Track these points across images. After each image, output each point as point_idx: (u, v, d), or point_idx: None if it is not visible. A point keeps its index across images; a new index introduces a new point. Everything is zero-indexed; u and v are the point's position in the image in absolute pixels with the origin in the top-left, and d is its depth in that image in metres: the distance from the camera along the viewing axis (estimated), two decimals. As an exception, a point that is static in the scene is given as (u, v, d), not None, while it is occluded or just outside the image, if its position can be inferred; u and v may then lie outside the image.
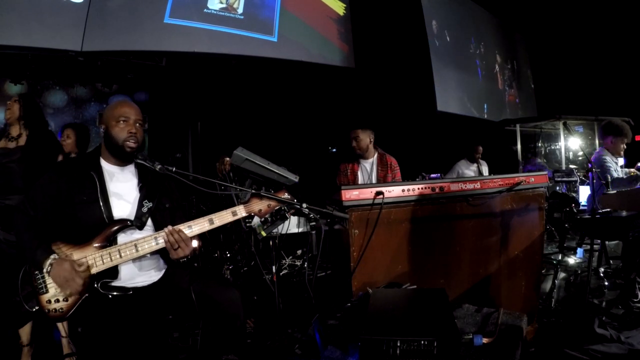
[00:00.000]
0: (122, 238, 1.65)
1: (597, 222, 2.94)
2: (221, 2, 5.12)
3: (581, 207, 4.40)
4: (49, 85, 5.46)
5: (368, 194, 1.98)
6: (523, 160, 7.19)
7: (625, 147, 3.42)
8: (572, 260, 4.12)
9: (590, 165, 2.94)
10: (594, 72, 8.07)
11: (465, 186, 2.17)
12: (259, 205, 1.73)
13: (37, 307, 1.55)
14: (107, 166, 1.75)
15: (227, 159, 3.69)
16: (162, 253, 1.73)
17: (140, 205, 1.71)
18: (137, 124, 1.72)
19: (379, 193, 1.98)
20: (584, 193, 4.60)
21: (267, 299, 2.99)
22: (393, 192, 2.02)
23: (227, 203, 2.23)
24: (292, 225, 3.07)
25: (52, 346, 2.32)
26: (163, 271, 1.79)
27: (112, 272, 1.62)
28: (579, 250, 4.27)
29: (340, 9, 6.31)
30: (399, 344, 1.20)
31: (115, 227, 1.62)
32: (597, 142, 7.08)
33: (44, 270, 1.53)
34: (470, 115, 7.64)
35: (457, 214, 2.17)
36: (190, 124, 5.99)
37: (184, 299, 1.66)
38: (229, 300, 1.68)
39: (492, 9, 8.80)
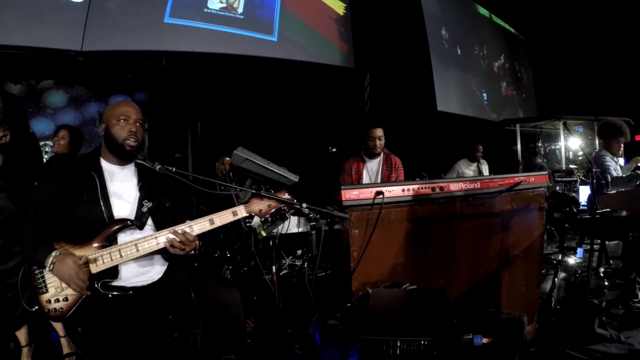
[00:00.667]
0: (122, 238, 1.65)
1: (597, 222, 2.94)
2: (221, 2, 5.12)
3: (581, 207, 4.40)
4: (49, 85, 5.46)
5: (368, 193, 1.98)
6: (523, 160, 7.18)
7: (621, 146, 3.42)
8: (572, 260, 4.11)
9: (590, 165, 2.94)
10: (594, 72, 8.06)
11: (466, 186, 2.17)
12: (259, 205, 1.73)
13: (36, 307, 1.55)
14: (107, 166, 1.75)
15: (227, 158, 3.68)
16: (162, 253, 1.74)
17: (140, 205, 1.71)
18: (137, 123, 1.73)
19: (379, 193, 1.98)
20: (584, 193, 4.59)
21: (267, 299, 2.99)
22: (393, 192, 2.02)
23: (227, 203, 2.23)
24: (292, 225, 3.06)
25: (52, 346, 2.32)
26: (163, 271, 1.79)
27: (112, 271, 1.62)
28: (579, 250, 4.26)
29: (340, 8, 6.31)
30: (399, 344, 1.20)
31: (116, 227, 1.63)
32: (597, 142, 7.06)
33: (47, 267, 1.53)
34: (471, 115, 7.63)
35: (457, 213, 2.17)
36: (190, 123, 5.98)
37: (184, 297, 1.66)
38: (229, 300, 1.68)
39: (492, 9, 8.80)
